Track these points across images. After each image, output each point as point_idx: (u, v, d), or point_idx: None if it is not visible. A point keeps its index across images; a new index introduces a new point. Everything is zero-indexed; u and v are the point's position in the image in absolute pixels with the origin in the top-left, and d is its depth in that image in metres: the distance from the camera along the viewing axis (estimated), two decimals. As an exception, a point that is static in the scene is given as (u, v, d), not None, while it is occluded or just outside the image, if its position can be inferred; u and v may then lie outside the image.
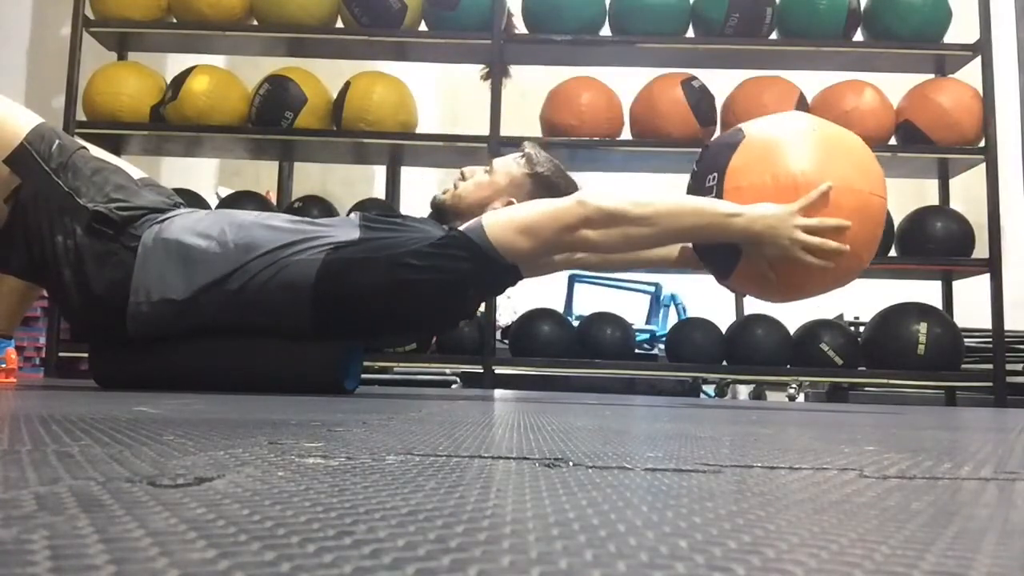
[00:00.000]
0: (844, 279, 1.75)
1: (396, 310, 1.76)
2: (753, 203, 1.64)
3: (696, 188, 1.76)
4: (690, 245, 1.92)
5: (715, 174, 1.71)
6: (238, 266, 1.71)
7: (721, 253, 1.76)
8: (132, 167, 1.94)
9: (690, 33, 3.45)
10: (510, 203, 1.83)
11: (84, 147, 1.80)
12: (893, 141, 3.38)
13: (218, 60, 4.01)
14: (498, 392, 2.85)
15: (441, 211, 1.91)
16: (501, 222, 1.70)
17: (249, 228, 1.75)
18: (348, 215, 1.90)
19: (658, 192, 1.76)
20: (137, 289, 1.71)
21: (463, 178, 1.93)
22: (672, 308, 5.32)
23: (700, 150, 1.84)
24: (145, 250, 1.72)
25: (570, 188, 1.90)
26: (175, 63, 3.79)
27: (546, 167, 1.91)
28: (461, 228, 1.73)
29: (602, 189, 1.75)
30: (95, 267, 1.71)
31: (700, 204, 1.67)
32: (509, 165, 1.92)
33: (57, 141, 1.74)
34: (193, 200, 3.18)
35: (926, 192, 3.96)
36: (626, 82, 3.53)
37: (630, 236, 1.66)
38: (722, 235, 1.66)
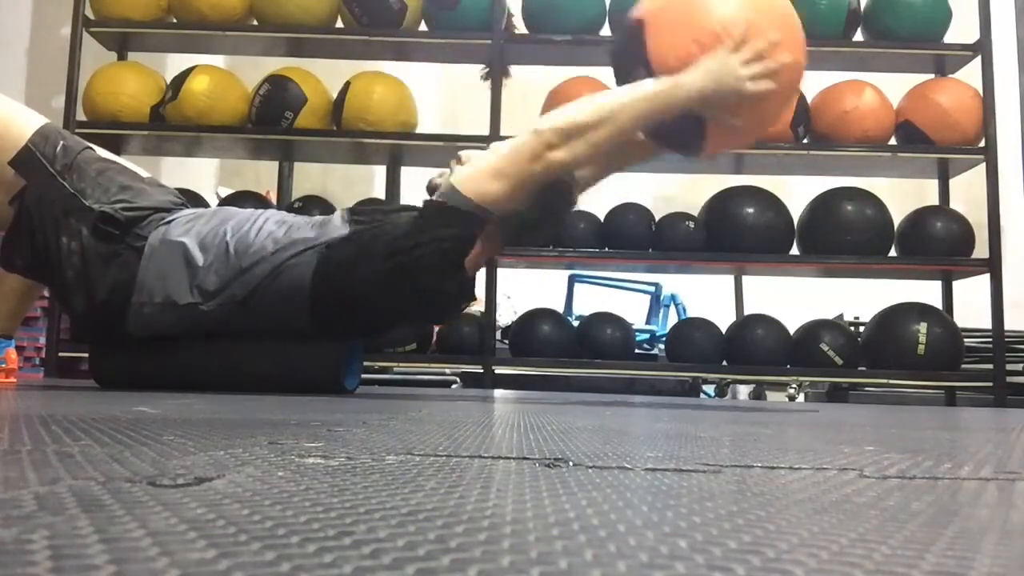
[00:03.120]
0: (796, 84, 1.79)
1: (395, 298, 1.74)
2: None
3: None
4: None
5: (640, 68, 1.70)
6: (238, 274, 1.71)
7: (684, 130, 1.75)
8: (137, 169, 1.93)
9: (690, 33, 3.44)
10: None
11: (89, 147, 1.79)
12: (893, 141, 3.38)
13: (218, 60, 4.01)
14: (498, 392, 2.85)
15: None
16: (470, 174, 1.70)
17: (247, 236, 1.75)
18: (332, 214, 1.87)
19: (598, 93, 1.75)
20: (141, 289, 1.71)
21: (459, 162, 1.91)
22: (672, 308, 5.31)
23: (611, 60, 1.83)
24: (152, 251, 1.72)
25: (566, 179, 1.87)
26: (175, 63, 3.79)
27: None
28: (434, 196, 1.72)
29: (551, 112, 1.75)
30: (100, 268, 1.70)
31: (645, 88, 1.67)
32: None
33: (61, 142, 1.74)
34: (193, 200, 3.17)
35: (926, 192, 3.96)
36: (626, 82, 3.52)
37: (595, 141, 1.66)
38: (677, 105, 1.66)
